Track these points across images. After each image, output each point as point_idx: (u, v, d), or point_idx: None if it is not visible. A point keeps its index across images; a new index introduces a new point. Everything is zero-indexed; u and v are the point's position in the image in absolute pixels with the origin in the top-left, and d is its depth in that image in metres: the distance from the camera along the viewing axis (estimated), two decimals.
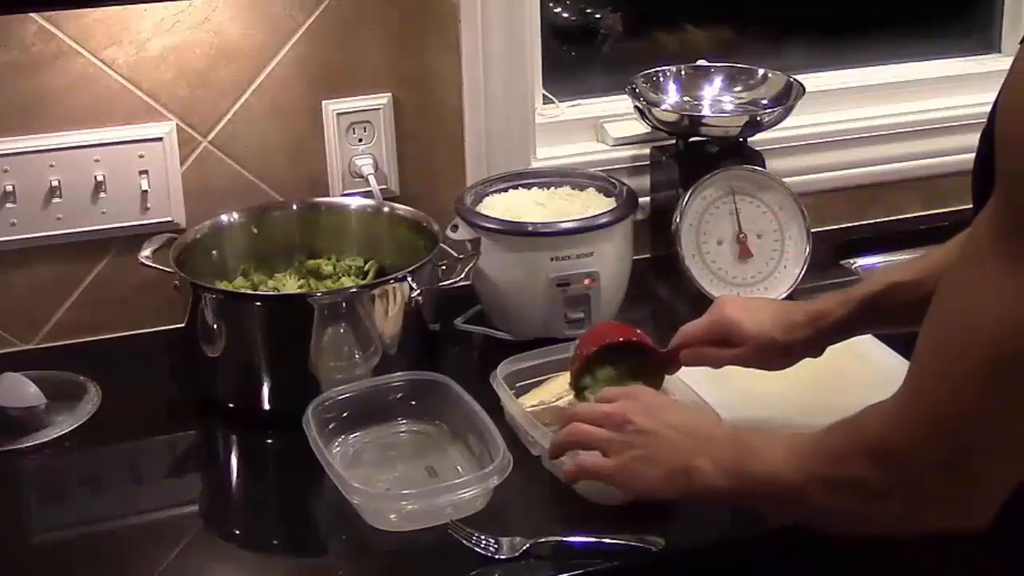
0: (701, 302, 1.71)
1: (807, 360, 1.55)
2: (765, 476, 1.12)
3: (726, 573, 1.32)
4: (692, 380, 1.44)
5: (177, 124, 1.68)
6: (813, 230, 1.75)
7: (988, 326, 0.93)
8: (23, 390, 1.53)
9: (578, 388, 1.40)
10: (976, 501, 1.00)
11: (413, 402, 1.46)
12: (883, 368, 1.54)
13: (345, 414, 1.44)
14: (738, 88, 1.86)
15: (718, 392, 1.43)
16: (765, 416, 1.45)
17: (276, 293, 1.61)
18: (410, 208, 1.69)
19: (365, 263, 1.68)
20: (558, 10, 1.98)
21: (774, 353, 1.39)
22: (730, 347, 1.40)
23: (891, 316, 1.33)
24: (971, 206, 1.07)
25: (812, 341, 1.39)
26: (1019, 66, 0.94)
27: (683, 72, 1.87)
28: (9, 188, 1.62)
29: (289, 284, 1.64)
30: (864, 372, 1.54)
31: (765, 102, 1.82)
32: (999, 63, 2.07)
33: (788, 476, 1.10)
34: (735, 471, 1.15)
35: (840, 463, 1.05)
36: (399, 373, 1.47)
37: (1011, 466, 0.99)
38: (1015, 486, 1.00)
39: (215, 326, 1.49)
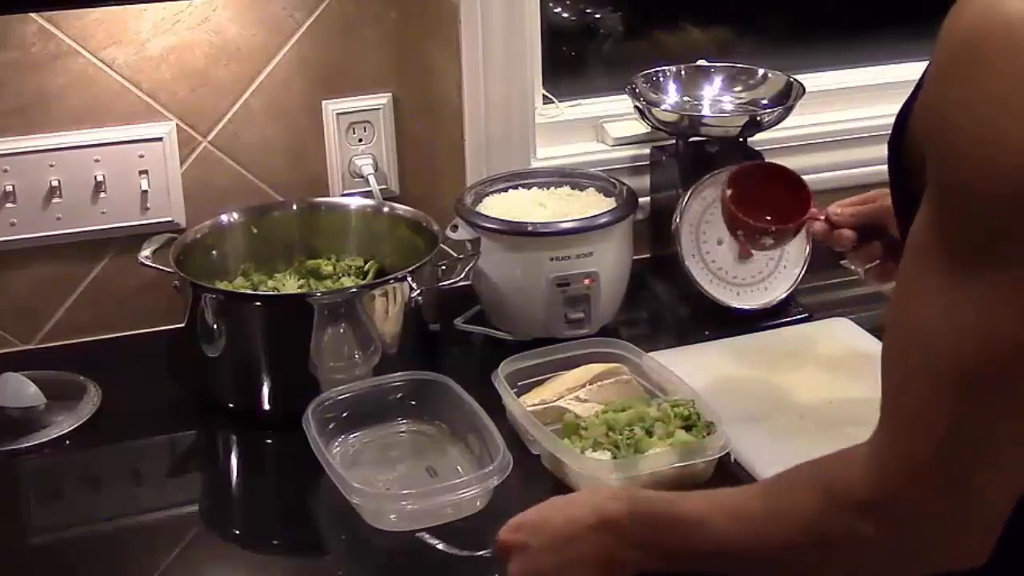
0: (701, 302, 1.72)
1: (806, 360, 1.55)
2: (716, 551, 1.06)
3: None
4: (686, 376, 1.44)
5: (177, 124, 1.68)
6: None
7: (948, 350, 0.89)
8: (23, 390, 1.53)
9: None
10: (976, 528, 0.96)
11: (413, 402, 1.47)
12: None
13: (345, 414, 1.44)
14: (738, 88, 1.86)
15: (712, 388, 1.43)
16: (762, 413, 1.45)
17: (276, 293, 1.61)
18: (410, 208, 1.69)
19: (365, 263, 1.68)
20: (558, 10, 1.98)
21: None
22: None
23: None
24: None
25: None
26: (940, 73, 0.89)
27: (683, 72, 1.87)
28: (9, 188, 1.62)
29: (289, 284, 1.64)
30: (863, 370, 1.55)
31: (765, 102, 1.82)
32: None
33: (749, 547, 1.04)
34: (676, 552, 1.08)
35: (824, 524, 0.99)
36: (399, 373, 1.47)
37: (1007, 481, 0.95)
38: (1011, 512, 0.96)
39: (215, 326, 1.49)
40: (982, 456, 0.92)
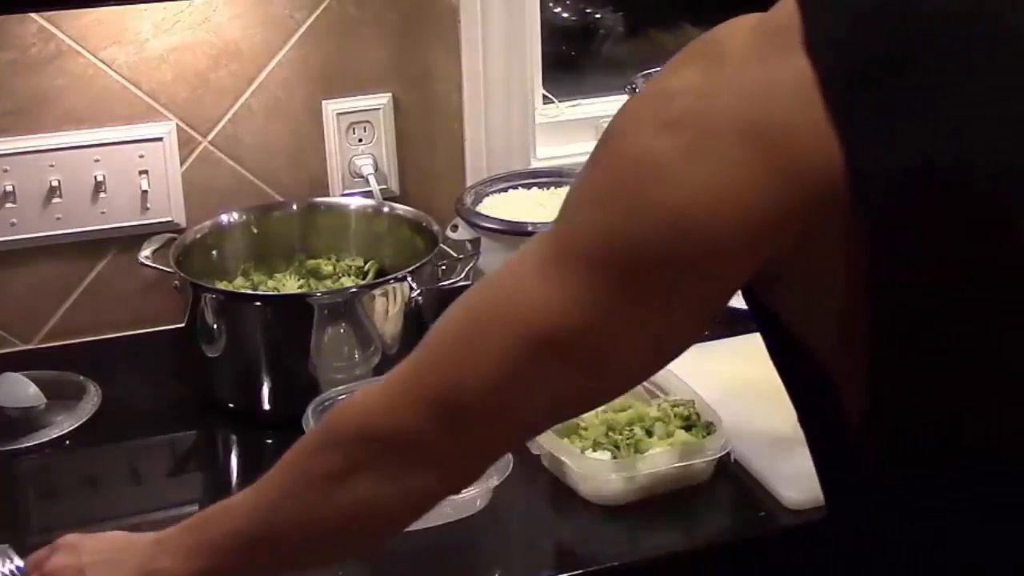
0: None
1: None
2: (232, 531, 1.03)
3: (726, 573, 1.32)
4: (686, 376, 1.44)
5: (177, 124, 1.68)
6: None
7: (535, 312, 0.91)
8: (23, 390, 1.53)
9: None
10: (458, 480, 0.99)
11: None
12: None
13: None
14: None
15: (712, 388, 1.43)
16: (762, 413, 1.45)
17: (276, 293, 1.62)
18: (410, 208, 1.69)
19: (365, 263, 1.68)
20: (558, 10, 1.99)
21: None
22: None
23: None
24: None
25: None
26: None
27: None
28: (9, 188, 1.63)
29: (289, 284, 1.64)
30: None
31: None
32: None
33: (258, 507, 1.02)
34: (198, 548, 1.04)
35: (314, 456, 1.00)
36: None
37: (503, 443, 1.00)
38: None
39: (215, 326, 1.50)
40: (496, 415, 0.94)
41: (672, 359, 0.96)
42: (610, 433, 1.37)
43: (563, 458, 1.33)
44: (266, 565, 1.05)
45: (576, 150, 1.89)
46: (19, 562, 1.22)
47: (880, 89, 0.84)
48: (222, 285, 1.60)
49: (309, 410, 1.39)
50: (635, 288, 0.88)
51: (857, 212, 0.83)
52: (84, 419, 1.53)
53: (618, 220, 0.88)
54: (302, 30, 1.70)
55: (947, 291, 0.85)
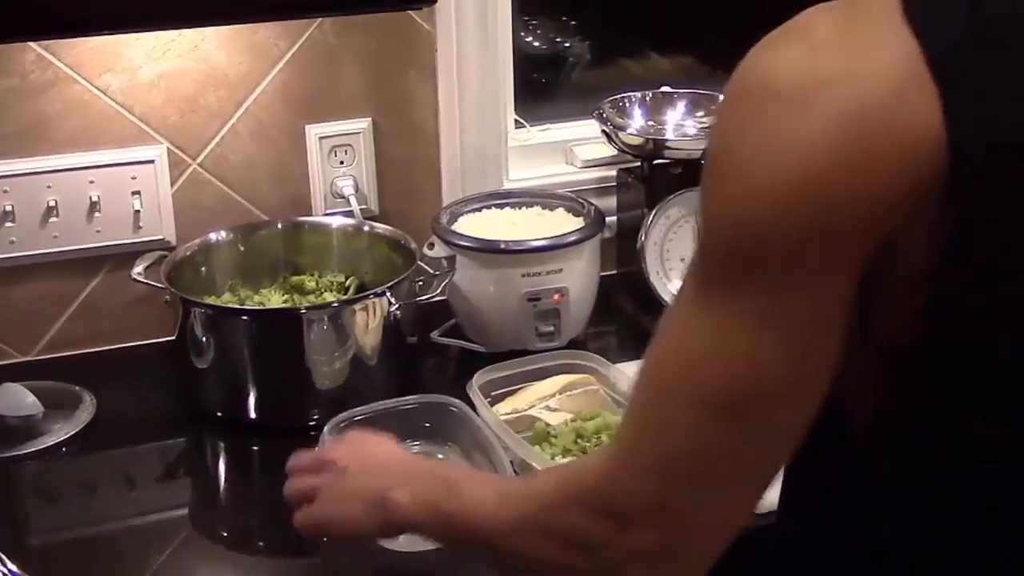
0: None
1: None
2: (467, 516, 1.04)
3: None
4: None
5: (168, 147, 1.70)
6: None
7: (695, 367, 0.87)
8: (21, 399, 1.55)
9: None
10: (687, 557, 0.92)
11: (427, 424, 1.47)
12: None
13: None
14: (700, 113, 1.87)
15: None
16: None
17: (262, 308, 1.63)
18: (389, 227, 1.71)
19: (346, 279, 1.70)
20: (529, 39, 2.00)
21: None
22: None
23: None
24: None
25: None
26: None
27: (648, 98, 1.89)
28: (9, 208, 1.65)
29: (274, 299, 1.66)
30: None
31: None
32: None
33: (494, 519, 1.01)
34: (433, 506, 1.07)
35: (554, 511, 0.96)
36: (412, 396, 1.48)
37: (723, 518, 0.91)
38: (726, 546, 0.93)
39: (204, 339, 1.52)
40: (703, 480, 0.89)
41: (829, 366, 0.87)
42: (579, 440, 1.40)
43: (535, 465, 1.34)
44: (470, 553, 1.11)
45: (546, 172, 1.91)
46: (12, 566, 1.23)
47: (978, 65, 0.81)
48: (210, 300, 1.61)
49: (325, 432, 1.40)
50: (766, 279, 0.83)
51: (948, 191, 0.80)
52: (80, 427, 1.54)
53: (739, 211, 0.84)
54: (286, 58, 1.71)
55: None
